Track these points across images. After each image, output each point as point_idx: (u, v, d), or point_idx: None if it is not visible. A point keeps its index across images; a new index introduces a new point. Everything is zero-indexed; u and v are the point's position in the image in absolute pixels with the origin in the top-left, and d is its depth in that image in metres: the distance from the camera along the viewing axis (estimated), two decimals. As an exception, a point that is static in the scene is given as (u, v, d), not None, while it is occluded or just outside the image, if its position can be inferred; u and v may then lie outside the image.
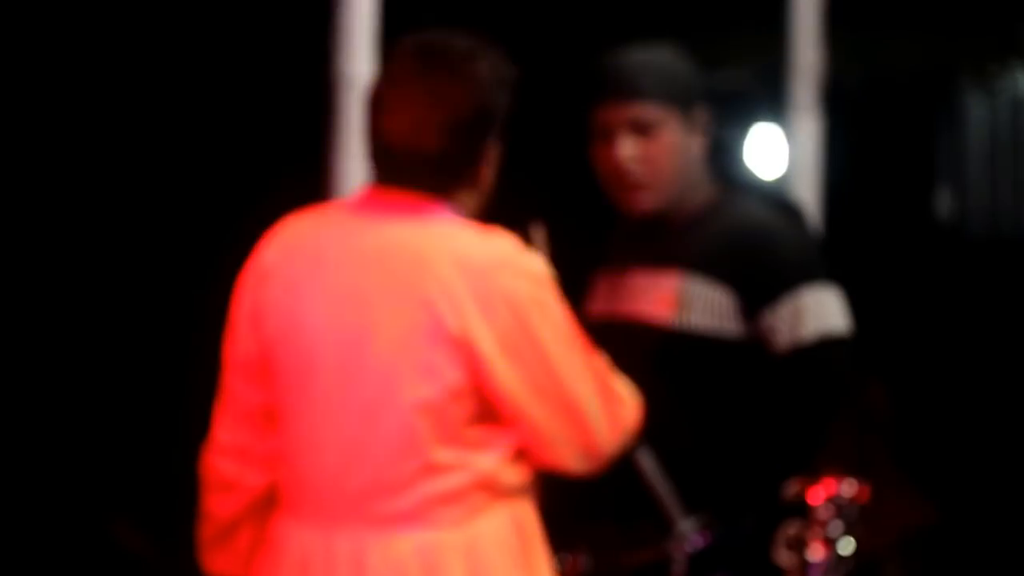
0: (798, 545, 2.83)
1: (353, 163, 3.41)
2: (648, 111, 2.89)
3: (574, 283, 2.98)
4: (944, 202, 6.43)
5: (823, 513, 2.83)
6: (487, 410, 2.51)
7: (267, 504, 2.64)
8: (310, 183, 3.49)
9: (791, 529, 2.82)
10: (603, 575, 2.98)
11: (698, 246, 2.94)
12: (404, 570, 2.48)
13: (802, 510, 2.84)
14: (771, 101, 4.33)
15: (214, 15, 6.51)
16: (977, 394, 5.60)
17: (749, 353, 2.91)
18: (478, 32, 2.62)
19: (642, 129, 2.89)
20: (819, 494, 2.84)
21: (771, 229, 2.94)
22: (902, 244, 5.93)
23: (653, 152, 2.91)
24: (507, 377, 2.49)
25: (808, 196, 3.90)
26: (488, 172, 2.58)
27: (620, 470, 2.77)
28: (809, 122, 3.96)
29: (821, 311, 2.90)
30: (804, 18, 3.89)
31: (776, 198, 3.29)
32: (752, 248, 2.92)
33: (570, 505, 2.90)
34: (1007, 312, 6.47)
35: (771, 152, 5.51)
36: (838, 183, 4.11)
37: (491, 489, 2.51)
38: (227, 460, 2.61)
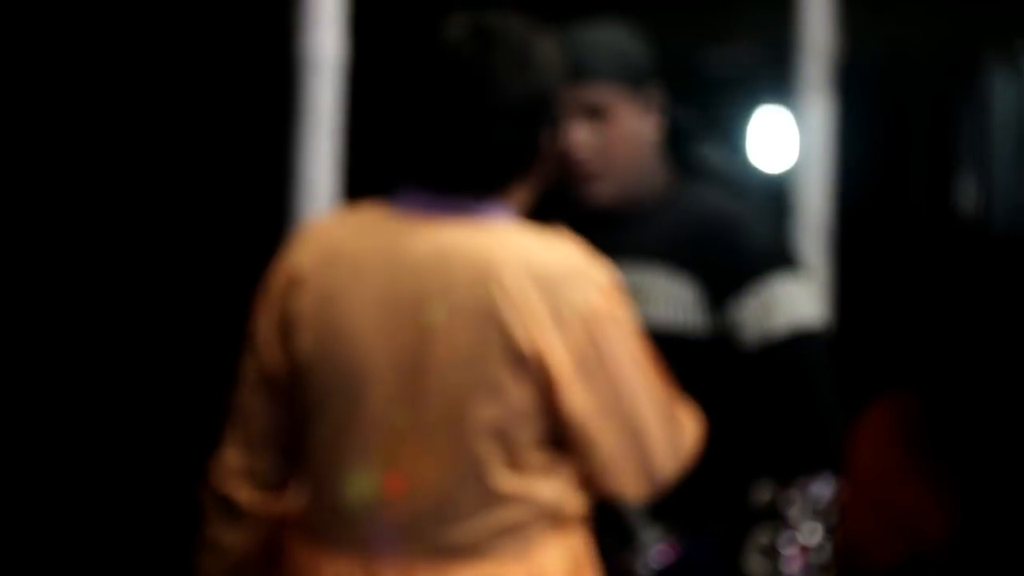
0: (772, 553, 2.78)
1: (320, 151, 3.45)
2: (601, 93, 2.84)
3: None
4: (968, 193, 6.25)
5: (797, 517, 2.77)
6: (553, 434, 2.46)
7: (285, 534, 2.58)
8: (274, 174, 3.54)
9: (763, 536, 2.76)
10: None
11: (656, 235, 2.92)
12: None
13: (775, 515, 2.78)
14: (778, 82, 4.31)
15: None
16: (1002, 402, 5.59)
17: (714, 349, 2.86)
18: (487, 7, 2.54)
19: (595, 113, 2.84)
20: (792, 497, 2.78)
21: (737, 215, 2.93)
22: (921, 239, 5.88)
23: (608, 138, 2.86)
24: (579, 399, 2.44)
25: (818, 185, 3.88)
26: (542, 165, 2.53)
27: None
28: (820, 105, 3.87)
29: (793, 302, 2.85)
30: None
31: (742, 186, 3.27)
32: (716, 235, 2.90)
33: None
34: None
35: (778, 138, 5.52)
36: (851, 172, 4.11)
37: (553, 519, 2.48)
38: (244, 486, 2.54)
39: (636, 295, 2.82)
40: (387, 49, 3.38)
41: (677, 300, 2.88)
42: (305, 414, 2.48)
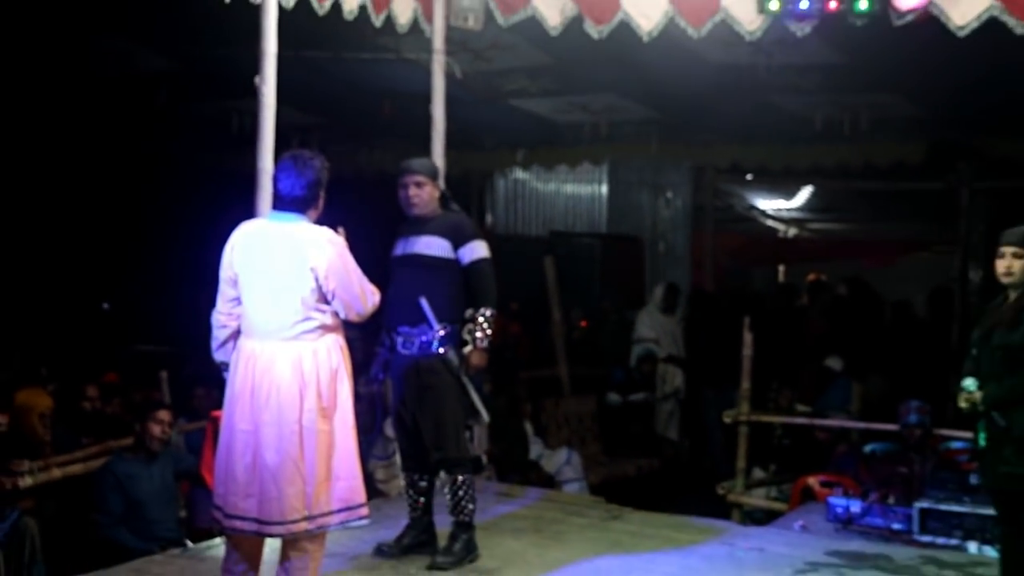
0: (472, 333, 5.63)
1: (265, 204, 5.55)
2: (420, 178, 5.67)
3: (390, 242, 5.75)
4: (489, 220, 11.03)
5: (483, 322, 5.63)
6: (324, 296, 4.44)
7: (237, 333, 4.61)
8: (249, 206, 5.69)
9: (469, 327, 5.64)
10: (405, 346, 5.60)
11: (435, 225, 5.66)
12: (292, 361, 4.40)
13: (473, 320, 5.66)
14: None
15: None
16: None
17: (453, 265, 5.64)
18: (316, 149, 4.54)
19: (418, 184, 5.64)
20: (480, 315, 5.64)
21: (462, 219, 5.78)
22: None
23: (422, 194, 5.65)
24: (330, 284, 4.44)
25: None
26: (321, 205, 4.52)
27: (414, 306, 5.50)
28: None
29: (480, 248, 5.64)
30: (436, 145, 6.75)
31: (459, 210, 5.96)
32: (454, 225, 5.68)
33: (398, 317, 5.62)
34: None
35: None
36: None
37: (326, 328, 4.53)
38: (223, 316, 4.64)
39: (428, 246, 5.54)
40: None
41: (441, 247, 5.61)
42: (240, 291, 4.49)
